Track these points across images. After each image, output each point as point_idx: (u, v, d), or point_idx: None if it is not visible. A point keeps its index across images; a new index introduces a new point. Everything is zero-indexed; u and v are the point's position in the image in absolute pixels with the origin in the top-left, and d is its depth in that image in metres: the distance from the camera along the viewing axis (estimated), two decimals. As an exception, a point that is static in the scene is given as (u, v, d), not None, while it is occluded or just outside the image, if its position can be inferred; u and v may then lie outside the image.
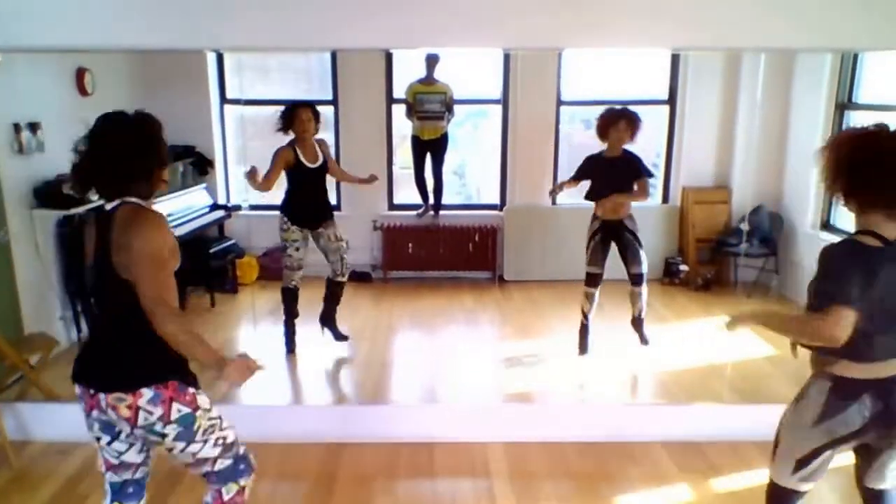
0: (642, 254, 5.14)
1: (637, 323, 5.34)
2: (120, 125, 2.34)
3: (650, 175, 5.22)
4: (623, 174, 5.09)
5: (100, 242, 2.29)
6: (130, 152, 2.30)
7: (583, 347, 5.35)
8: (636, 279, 5.18)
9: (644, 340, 5.34)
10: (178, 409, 2.32)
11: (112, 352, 2.36)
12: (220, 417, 2.47)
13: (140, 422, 2.29)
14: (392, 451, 4.07)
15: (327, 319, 5.47)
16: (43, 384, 4.37)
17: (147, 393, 2.28)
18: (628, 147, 5.11)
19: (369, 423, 4.26)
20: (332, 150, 5.53)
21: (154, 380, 2.30)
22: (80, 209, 5.01)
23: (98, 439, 2.43)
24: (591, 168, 5.22)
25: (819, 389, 2.43)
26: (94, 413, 2.36)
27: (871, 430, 2.34)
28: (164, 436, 2.34)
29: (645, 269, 5.16)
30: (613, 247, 5.21)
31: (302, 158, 5.04)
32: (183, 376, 2.36)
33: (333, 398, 4.94)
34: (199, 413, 2.38)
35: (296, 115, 4.98)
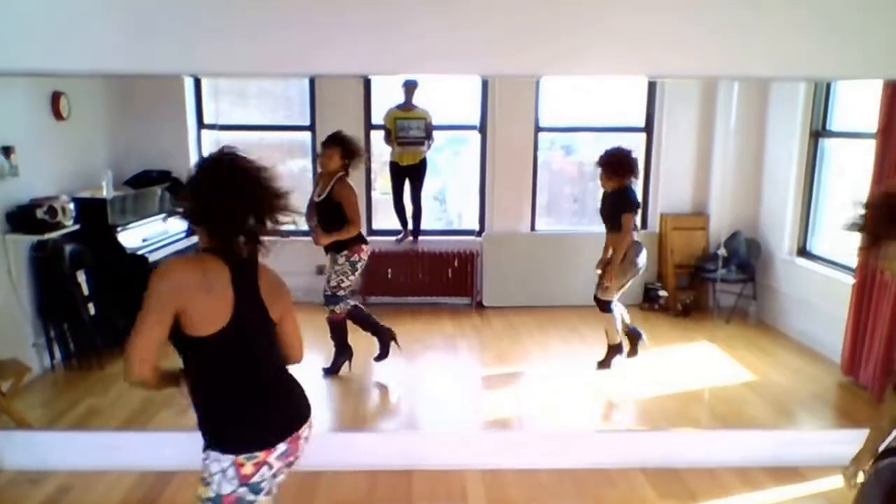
0: (605, 280, 5.27)
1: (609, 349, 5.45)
2: (250, 172, 2.32)
3: (626, 210, 5.26)
4: (611, 210, 5.30)
5: (251, 290, 2.28)
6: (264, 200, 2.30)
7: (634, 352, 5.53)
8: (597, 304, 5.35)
9: (604, 364, 5.46)
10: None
11: (292, 381, 2.42)
12: None
13: (302, 447, 2.41)
14: (370, 478, 4.02)
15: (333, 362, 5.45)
16: (14, 411, 4.30)
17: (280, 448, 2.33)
18: (634, 182, 5.34)
19: (346, 450, 4.21)
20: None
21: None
22: (54, 234, 4.96)
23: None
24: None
25: None
26: (283, 461, 2.33)
27: None
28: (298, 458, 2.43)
29: (601, 294, 5.29)
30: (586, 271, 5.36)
31: (313, 187, 5.15)
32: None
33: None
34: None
35: (322, 149, 5.12)
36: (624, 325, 5.42)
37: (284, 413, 2.34)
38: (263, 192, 2.23)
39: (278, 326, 2.36)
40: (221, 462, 2.22)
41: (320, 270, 6.62)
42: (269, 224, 2.25)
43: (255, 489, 2.25)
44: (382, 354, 5.42)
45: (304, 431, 2.37)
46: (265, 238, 2.26)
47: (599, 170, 5.26)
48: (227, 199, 2.17)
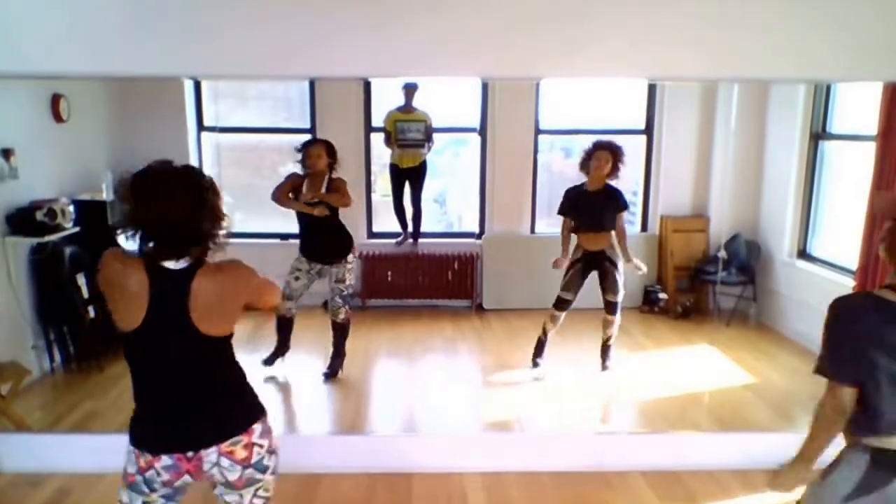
0: (620, 284, 5.22)
1: (604, 349, 5.44)
2: (187, 181, 2.26)
3: (627, 207, 5.32)
4: (605, 208, 5.20)
5: (168, 303, 2.20)
6: (200, 212, 2.24)
7: (537, 361, 5.48)
8: (611, 307, 5.26)
9: (605, 367, 5.44)
10: (273, 439, 2.39)
11: (210, 403, 2.29)
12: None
13: (254, 458, 2.30)
14: (370, 481, 4.01)
15: (332, 358, 5.44)
16: (13, 414, 4.29)
17: (257, 428, 2.32)
18: (612, 182, 5.22)
19: (346, 453, 4.21)
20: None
21: (260, 413, 2.36)
22: (54, 237, 4.96)
23: None
24: (573, 203, 5.28)
25: (855, 463, 2.21)
26: (182, 479, 2.29)
27: None
28: (266, 469, 2.35)
29: (620, 298, 5.24)
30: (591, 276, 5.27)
31: (304, 189, 5.10)
32: (263, 407, 2.40)
33: (310, 428, 4.88)
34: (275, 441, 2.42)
35: (307, 151, 5.09)
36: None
37: (171, 429, 2.27)
38: (170, 205, 2.14)
39: (220, 338, 2.28)
40: (128, 444, 2.31)
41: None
42: (206, 236, 2.22)
43: (149, 485, 2.27)
44: (271, 360, 5.43)
45: (209, 456, 2.26)
46: (202, 248, 2.24)
47: (602, 153, 5.11)
48: (137, 209, 2.16)
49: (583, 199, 5.23)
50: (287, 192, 5.10)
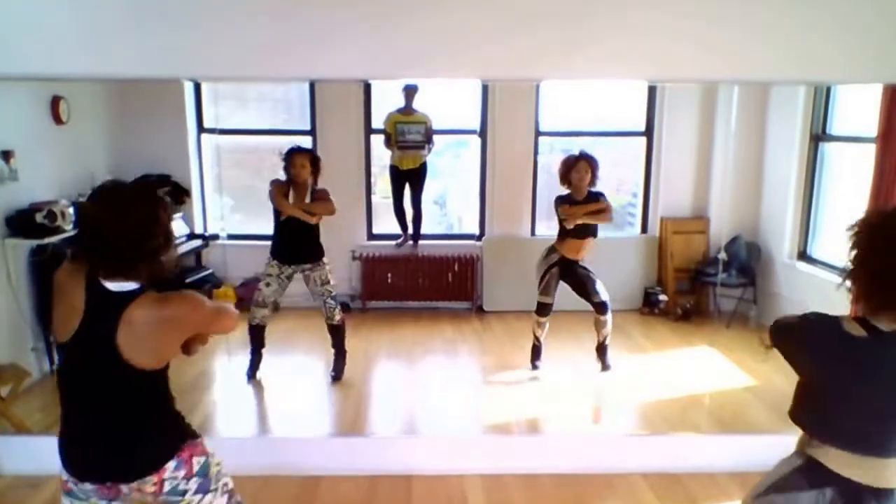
0: (599, 284, 5.30)
1: (601, 350, 5.47)
2: (133, 199, 2.17)
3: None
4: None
5: (98, 325, 2.12)
6: (144, 230, 2.16)
7: (536, 364, 5.57)
8: (601, 308, 5.31)
9: (606, 367, 5.48)
10: (196, 462, 2.28)
11: (123, 438, 2.21)
12: (220, 462, 2.40)
13: (166, 489, 2.23)
14: (369, 483, 4.01)
15: (335, 361, 5.44)
16: (13, 416, 4.29)
17: (171, 464, 2.23)
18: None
19: (346, 455, 4.20)
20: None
21: (174, 452, 2.24)
22: (54, 239, 4.95)
23: None
24: (565, 205, 5.33)
25: (788, 463, 2.25)
26: (99, 498, 2.25)
27: None
28: (185, 492, 2.27)
29: (607, 297, 5.29)
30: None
31: (290, 198, 5.09)
32: (191, 433, 2.32)
33: (310, 430, 4.88)
34: (211, 459, 2.34)
35: (292, 159, 5.08)
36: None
37: (85, 457, 2.23)
38: (110, 220, 2.09)
39: (148, 372, 2.16)
40: None
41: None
42: (148, 256, 2.16)
43: (85, 496, 2.23)
44: (252, 373, 5.42)
45: (125, 488, 2.21)
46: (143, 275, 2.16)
47: (580, 163, 5.23)
48: (82, 226, 2.17)
49: (574, 206, 5.30)
50: (283, 198, 5.10)
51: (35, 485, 3.93)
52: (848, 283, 2.07)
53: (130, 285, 2.13)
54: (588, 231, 5.28)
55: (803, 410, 2.23)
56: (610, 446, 4.35)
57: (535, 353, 5.58)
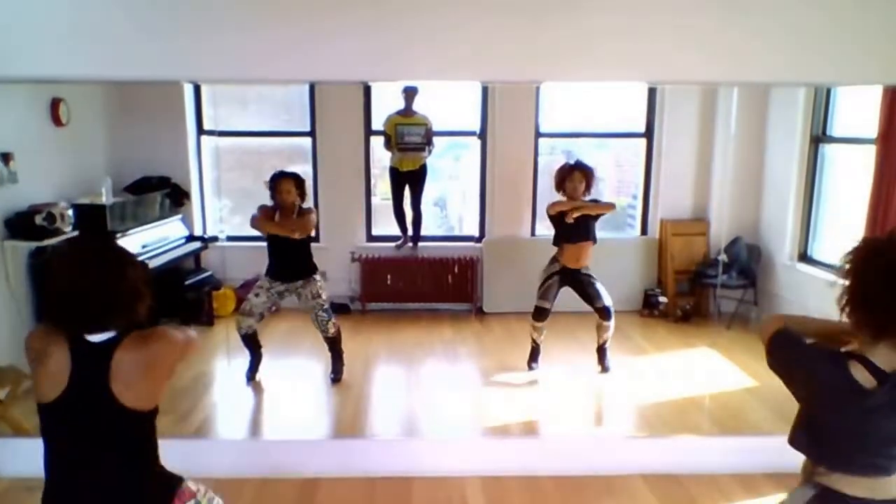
0: (602, 288, 5.32)
1: (601, 351, 5.49)
2: (101, 255, 2.20)
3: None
4: (586, 221, 5.28)
5: (89, 376, 2.13)
6: (115, 284, 2.16)
7: (532, 366, 5.58)
8: (604, 313, 5.33)
9: (605, 368, 5.50)
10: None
11: (118, 484, 2.20)
12: (208, 490, 2.39)
13: None
14: (368, 485, 3.99)
15: (333, 363, 5.45)
16: (11, 418, 4.28)
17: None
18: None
19: (346, 457, 4.19)
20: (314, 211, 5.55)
21: (170, 498, 2.24)
22: (53, 241, 4.95)
23: None
24: (562, 212, 5.33)
25: (802, 495, 2.19)
26: None
27: None
28: None
29: (610, 302, 5.30)
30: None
31: (277, 220, 5.15)
32: (177, 479, 2.31)
33: (309, 432, 4.87)
34: (200, 498, 2.33)
35: (277, 185, 5.12)
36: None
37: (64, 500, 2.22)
38: (81, 277, 2.11)
39: (144, 413, 2.19)
40: None
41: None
42: (124, 310, 2.16)
43: None
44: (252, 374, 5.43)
45: None
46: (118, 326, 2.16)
47: (575, 174, 5.26)
48: (53, 282, 2.15)
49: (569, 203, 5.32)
50: (270, 220, 5.14)
51: (33, 487, 3.86)
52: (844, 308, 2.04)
53: (111, 333, 2.14)
54: (584, 235, 5.28)
55: (806, 439, 2.18)
56: (610, 448, 4.34)
57: (533, 353, 5.59)
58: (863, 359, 1.96)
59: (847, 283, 2.04)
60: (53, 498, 2.24)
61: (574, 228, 5.25)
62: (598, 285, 5.32)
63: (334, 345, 5.39)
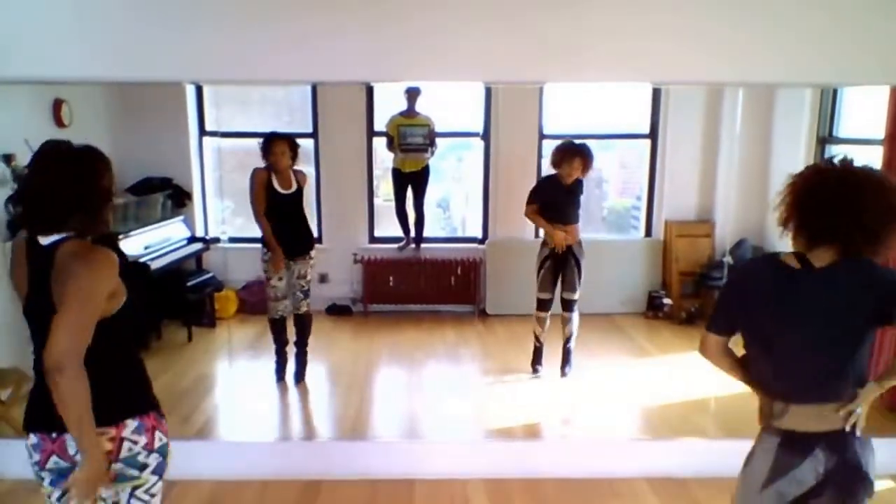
0: (578, 283, 5.34)
1: (565, 352, 5.51)
2: (61, 154, 2.21)
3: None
4: (574, 202, 5.36)
5: (38, 280, 2.14)
6: (68, 182, 2.15)
7: (536, 368, 5.56)
8: (567, 305, 5.38)
9: (563, 372, 5.50)
10: (159, 438, 2.25)
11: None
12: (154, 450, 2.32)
13: (123, 453, 2.18)
14: (371, 488, 3.98)
15: (297, 360, 5.42)
16: (14, 420, 4.27)
17: (131, 423, 2.19)
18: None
19: (348, 459, 4.18)
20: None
21: (137, 410, 2.22)
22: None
23: (49, 496, 2.32)
24: (549, 191, 5.37)
25: (768, 445, 2.28)
26: (52, 461, 2.23)
27: (826, 488, 2.14)
28: (144, 467, 2.22)
29: (577, 297, 5.34)
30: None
31: (275, 184, 5.09)
32: (158, 407, 2.30)
33: (311, 434, 4.85)
34: (169, 445, 2.30)
35: (271, 146, 5.06)
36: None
37: (37, 407, 2.26)
38: (39, 175, 2.17)
39: None
40: None
41: (323, 278, 6.64)
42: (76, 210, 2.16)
43: (35, 471, 2.31)
44: (280, 375, 5.43)
45: (70, 440, 2.17)
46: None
47: (575, 160, 5.21)
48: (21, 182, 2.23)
49: (559, 191, 5.32)
50: (263, 201, 5.08)
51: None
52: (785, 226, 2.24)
53: (59, 236, 2.14)
54: (564, 217, 5.30)
55: (757, 369, 2.39)
56: (614, 451, 4.32)
57: (536, 355, 5.56)
58: (797, 253, 2.19)
59: (790, 195, 2.24)
60: (29, 405, 2.32)
61: (556, 214, 5.29)
62: (578, 279, 5.33)
63: (303, 329, 5.36)
